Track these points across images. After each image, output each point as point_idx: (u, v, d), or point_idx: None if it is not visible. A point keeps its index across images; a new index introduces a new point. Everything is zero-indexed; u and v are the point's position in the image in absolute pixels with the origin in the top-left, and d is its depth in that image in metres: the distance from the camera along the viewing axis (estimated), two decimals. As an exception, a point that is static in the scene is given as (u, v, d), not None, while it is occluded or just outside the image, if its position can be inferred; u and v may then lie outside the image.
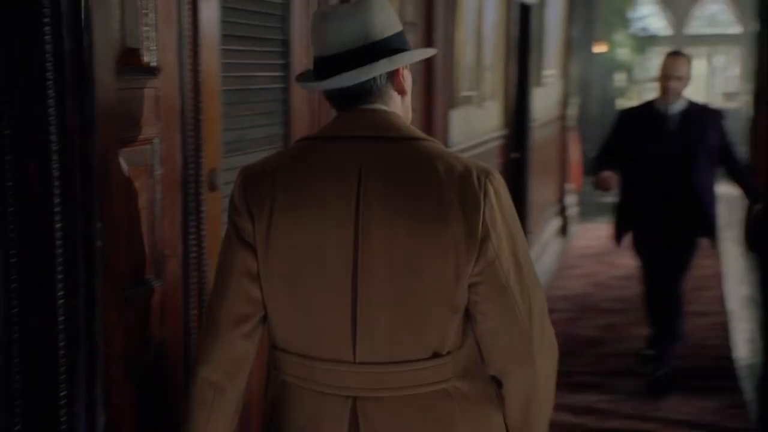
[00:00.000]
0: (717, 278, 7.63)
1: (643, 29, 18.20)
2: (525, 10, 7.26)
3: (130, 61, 1.81)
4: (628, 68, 17.73)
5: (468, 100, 5.52)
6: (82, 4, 1.60)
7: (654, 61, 19.21)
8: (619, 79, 17.80)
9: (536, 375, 1.82)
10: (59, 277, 1.64)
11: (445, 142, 4.86)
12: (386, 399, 1.77)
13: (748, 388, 5.20)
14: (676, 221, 5.11)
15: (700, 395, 5.05)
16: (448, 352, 1.77)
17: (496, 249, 1.73)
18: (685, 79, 5.11)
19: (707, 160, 5.08)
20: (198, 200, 2.26)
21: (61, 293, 1.64)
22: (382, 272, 1.72)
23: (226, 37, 2.50)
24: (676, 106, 5.12)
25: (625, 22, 17.44)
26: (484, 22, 5.89)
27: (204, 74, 2.28)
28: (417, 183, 1.72)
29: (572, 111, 10.60)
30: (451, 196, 1.72)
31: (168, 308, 2.02)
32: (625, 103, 17.54)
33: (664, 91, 5.14)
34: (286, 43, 2.94)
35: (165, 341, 2.00)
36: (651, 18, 19.05)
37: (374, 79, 1.79)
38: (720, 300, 7.08)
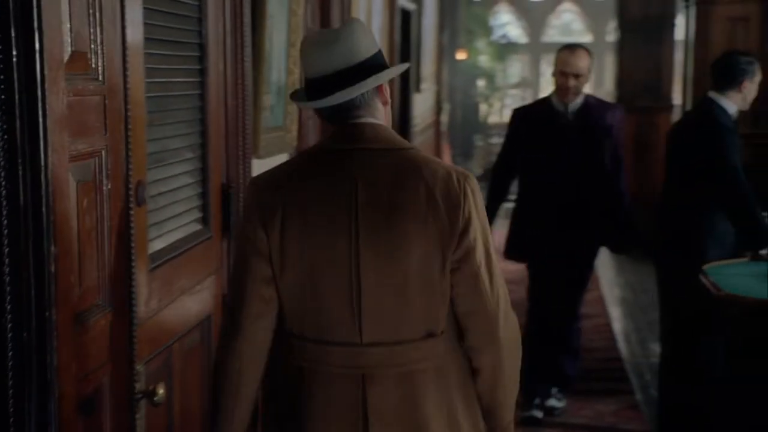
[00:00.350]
0: (595, 281, 7.80)
1: (503, 37, 18.56)
2: (406, 16, 7.24)
3: (77, 66, 1.64)
4: (489, 75, 18.05)
5: (360, 107, 5.44)
6: (34, 2, 1.42)
7: (514, 68, 19.70)
8: (481, 85, 18.10)
9: (500, 351, 2.10)
10: (8, 307, 1.46)
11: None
12: (390, 375, 2.03)
13: (637, 388, 5.30)
14: (579, 229, 4.58)
15: (596, 398, 5.11)
16: (441, 332, 2.05)
17: (472, 240, 2.01)
18: (585, 76, 4.49)
19: (609, 150, 4.58)
20: (128, 216, 2.09)
21: (10, 326, 1.46)
22: (379, 265, 1.98)
23: (146, 41, 2.34)
24: (575, 104, 4.54)
25: (486, 30, 17.75)
26: (373, 26, 5.83)
27: (131, 80, 2.11)
28: (405, 187, 1.99)
29: (445, 117, 10.68)
30: (435, 197, 1.99)
31: (116, 335, 1.84)
32: (487, 109, 17.91)
33: (562, 90, 4.51)
34: (202, 48, 2.79)
35: (115, 372, 1.83)
36: (510, 26, 19.45)
37: (363, 94, 2.04)
38: (601, 302, 7.23)
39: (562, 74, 4.52)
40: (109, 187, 1.80)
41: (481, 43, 17.70)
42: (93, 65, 1.72)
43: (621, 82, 10.04)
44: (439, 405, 2.07)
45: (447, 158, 11.02)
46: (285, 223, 2.00)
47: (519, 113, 4.88)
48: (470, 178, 2.05)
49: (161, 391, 2.25)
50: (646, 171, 9.21)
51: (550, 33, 20.13)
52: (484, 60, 17.81)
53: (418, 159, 2.05)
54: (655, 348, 6.27)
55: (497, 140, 13.88)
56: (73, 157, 1.62)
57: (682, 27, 11.20)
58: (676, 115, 10.99)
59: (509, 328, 2.11)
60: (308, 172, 2.05)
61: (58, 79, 1.51)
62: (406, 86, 7.25)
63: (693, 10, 5.63)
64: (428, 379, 2.05)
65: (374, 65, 2.04)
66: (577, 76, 4.46)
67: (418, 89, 8.08)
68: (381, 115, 2.11)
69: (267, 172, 2.11)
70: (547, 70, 19.35)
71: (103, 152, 1.77)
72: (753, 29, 5.52)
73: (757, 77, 4.31)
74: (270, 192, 2.03)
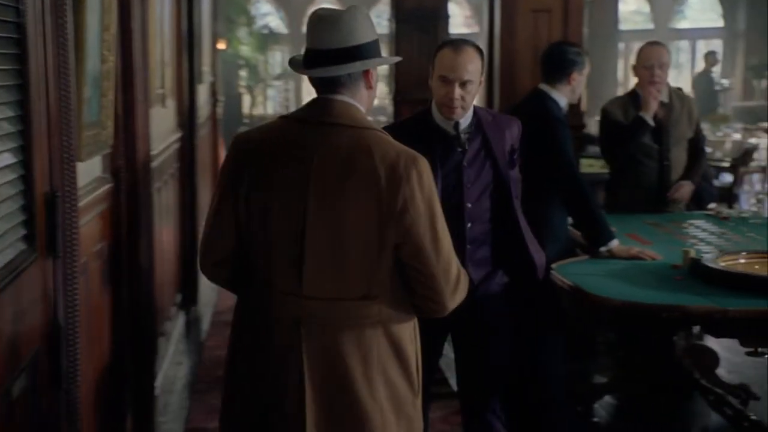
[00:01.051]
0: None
1: (266, 27, 18.16)
2: (190, 2, 6.74)
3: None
4: (251, 66, 17.63)
5: (158, 99, 4.95)
6: None
7: (276, 58, 19.32)
8: (243, 76, 17.68)
9: (444, 313, 2.43)
10: None
11: (147, 146, 4.27)
12: (325, 327, 2.33)
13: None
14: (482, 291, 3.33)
15: (421, 404, 4.90)
16: (376, 296, 2.32)
17: (412, 218, 2.27)
18: (475, 83, 3.21)
19: (514, 181, 3.37)
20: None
21: None
22: (322, 229, 2.28)
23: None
24: (465, 122, 3.27)
25: (248, 20, 17.31)
26: (164, 13, 5.33)
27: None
28: (355, 161, 2.27)
29: (220, 109, 10.19)
30: (379, 175, 2.25)
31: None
32: (251, 101, 17.50)
33: (445, 104, 3.21)
34: (21, 29, 2.27)
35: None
36: (272, 16, 19.08)
37: (350, 74, 2.35)
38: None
39: (443, 81, 3.22)
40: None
41: (241, 33, 17.27)
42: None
43: (397, 74, 9.98)
44: (361, 361, 2.31)
45: (221, 152, 10.54)
46: (252, 179, 2.34)
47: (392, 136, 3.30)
48: (418, 162, 2.29)
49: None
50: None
51: (310, 24, 19.92)
52: (245, 50, 17.39)
53: (374, 139, 2.32)
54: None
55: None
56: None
57: (455, 16, 11.22)
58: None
59: (456, 299, 2.41)
60: (279, 137, 2.37)
61: None
62: (192, 77, 6.75)
63: (498, 1, 5.57)
64: (360, 334, 2.31)
65: (365, 51, 2.33)
66: (464, 83, 3.20)
67: (200, 80, 7.59)
68: (362, 97, 2.40)
69: (248, 131, 2.49)
70: (309, 61, 19.23)
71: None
72: (555, 21, 5.51)
73: (586, 69, 4.24)
74: (245, 150, 2.39)
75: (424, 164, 2.30)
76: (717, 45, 16.96)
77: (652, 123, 4.69)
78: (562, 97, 4.18)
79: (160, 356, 4.88)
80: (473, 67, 3.19)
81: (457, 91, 3.18)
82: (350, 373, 2.32)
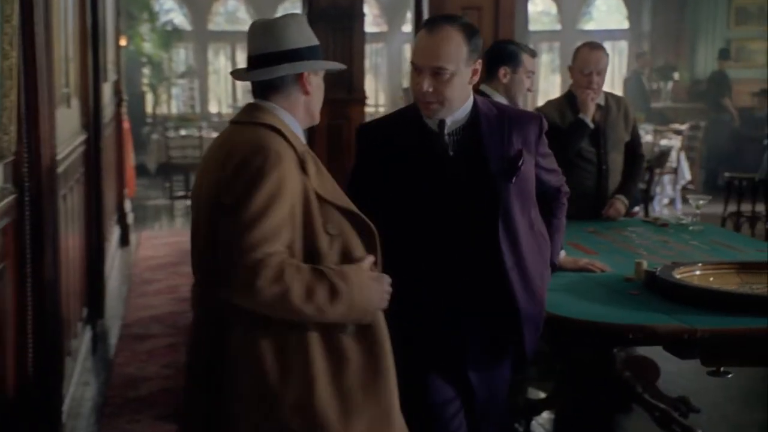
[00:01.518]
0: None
1: (169, 23, 17.57)
2: (95, -5, 6.33)
3: None
4: (155, 63, 17.05)
5: (63, 99, 4.56)
6: None
7: (181, 56, 18.73)
8: (146, 74, 17.10)
9: (253, 305, 2.21)
10: None
11: (53, 151, 3.90)
12: (216, 316, 2.31)
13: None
14: (470, 327, 2.83)
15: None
16: None
17: (234, 212, 2.19)
18: (453, 73, 2.67)
19: (520, 198, 2.78)
20: None
21: None
22: (198, 225, 2.35)
23: None
24: (456, 119, 2.74)
25: (151, 16, 16.72)
26: (68, 4, 4.94)
27: None
28: (218, 160, 2.30)
29: (125, 108, 9.72)
30: (223, 166, 2.26)
31: None
32: (155, 100, 16.90)
33: (419, 100, 2.74)
34: None
35: None
36: (175, 12, 18.48)
37: (281, 78, 2.33)
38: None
39: (414, 70, 2.72)
40: None
41: (143, 29, 16.68)
42: None
43: (310, 73, 9.69)
44: (241, 353, 2.26)
45: (129, 152, 10.06)
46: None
47: (370, 135, 2.92)
48: (263, 158, 2.20)
49: None
50: (340, 165, 8.96)
51: (216, 20, 19.39)
52: (147, 47, 16.81)
53: (249, 134, 2.29)
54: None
55: (174, 134, 13.02)
56: None
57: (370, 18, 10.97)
58: (368, 108, 10.86)
59: (249, 298, 2.19)
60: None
61: None
62: (97, 75, 6.34)
63: (426, -1, 5.37)
64: (237, 328, 2.26)
65: (297, 55, 2.30)
66: (437, 72, 2.66)
67: (105, 78, 7.16)
68: (297, 103, 2.36)
69: None
70: (214, 59, 18.75)
71: None
72: (486, 19, 5.33)
73: (523, 68, 4.04)
74: None
75: (270, 162, 2.20)
76: (623, 47, 17.09)
77: (591, 125, 4.52)
78: (500, 96, 3.96)
79: (66, 376, 4.50)
80: (450, 51, 2.63)
81: (427, 83, 2.65)
82: (227, 366, 2.29)
